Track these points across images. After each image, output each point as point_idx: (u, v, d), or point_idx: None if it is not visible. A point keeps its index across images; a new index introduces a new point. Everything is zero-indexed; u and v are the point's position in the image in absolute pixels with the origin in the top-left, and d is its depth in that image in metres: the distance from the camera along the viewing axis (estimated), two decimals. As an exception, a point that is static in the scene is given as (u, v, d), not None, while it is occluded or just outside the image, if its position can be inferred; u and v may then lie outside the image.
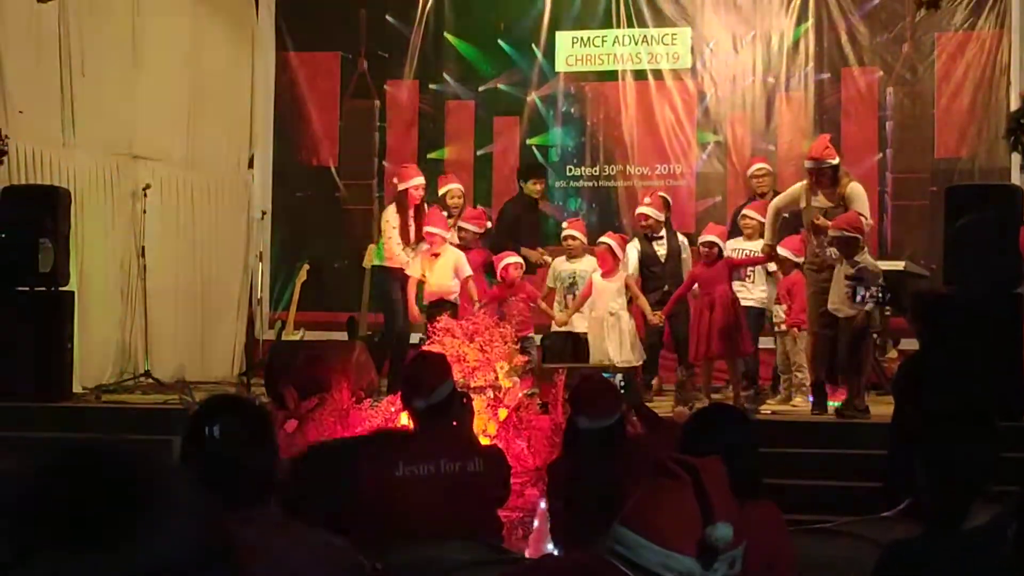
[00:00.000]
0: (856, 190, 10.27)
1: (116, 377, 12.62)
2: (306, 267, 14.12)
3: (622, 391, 6.26)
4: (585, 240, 11.80)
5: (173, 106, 13.98)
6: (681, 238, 12.08)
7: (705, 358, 10.94)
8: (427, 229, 11.33)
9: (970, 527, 3.54)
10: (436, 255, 11.35)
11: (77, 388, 11.53)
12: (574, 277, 11.71)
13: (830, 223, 9.93)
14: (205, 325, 14.41)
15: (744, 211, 11.76)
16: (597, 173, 14.67)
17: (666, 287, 11.52)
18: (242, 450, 3.32)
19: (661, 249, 11.76)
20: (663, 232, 11.84)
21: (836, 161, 10.22)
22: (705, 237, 10.90)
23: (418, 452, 5.25)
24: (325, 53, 15.38)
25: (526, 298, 11.52)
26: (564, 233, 11.85)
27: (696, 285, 11.21)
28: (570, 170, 14.71)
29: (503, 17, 14.92)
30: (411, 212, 11.54)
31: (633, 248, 11.85)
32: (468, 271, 11.58)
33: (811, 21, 14.10)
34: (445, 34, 15.06)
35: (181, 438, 3.41)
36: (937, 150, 13.78)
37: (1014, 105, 11.93)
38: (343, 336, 12.81)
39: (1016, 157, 11.50)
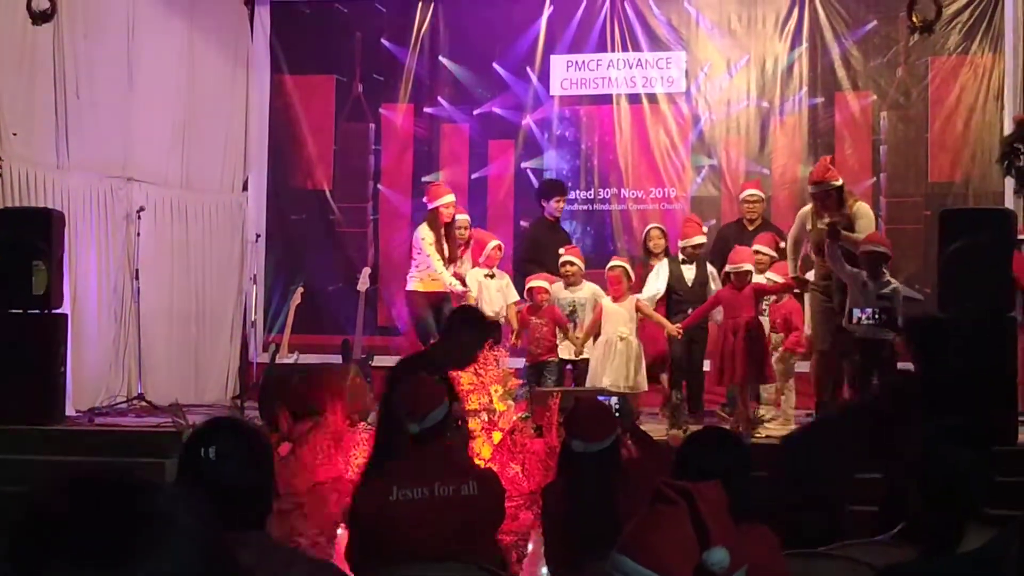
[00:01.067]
0: (864, 209, 10.39)
1: (109, 400, 12.59)
2: (300, 290, 14.11)
3: (616, 414, 6.25)
4: (583, 266, 11.81)
5: (167, 128, 14.00)
6: (710, 268, 12.06)
7: (730, 384, 10.94)
8: (496, 243, 11.76)
9: (965, 551, 3.53)
10: (492, 275, 11.77)
11: (70, 411, 11.50)
12: (573, 305, 11.70)
13: (845, 232, 9.99)
14: (199, 348, 14.40)
15: (755, 247, 11.70)
16: (592, 197, 14.67)
17: (688, 311, 11.51)
18: (238, 472, 3.31)
19: (690, 273, 11.77)
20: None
21: (840, 182, 10.27)
22: (741, 266, 10.84)
23: (412, 476, 5.24)
24: (320, 76, 15.39)
25: (552, 323, 11.56)
26: (562, 259, 11.82)
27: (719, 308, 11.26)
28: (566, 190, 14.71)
29: (498, 41, 14.94)
30: (442, 230, 11.54)
31: (663, 268, 11.86)
32: (515, 295, 11.74)
33: (805, 45, 14.13)
34: (440, 57, 15.09)
35: (177, 460, 3.41)
36: (931, 174, 13.81)
37: (1007, 129, 11.97)
38: (337, 359, 12.79)
39: (1010, 181, 11.51)
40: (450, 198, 11.72)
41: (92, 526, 1.34)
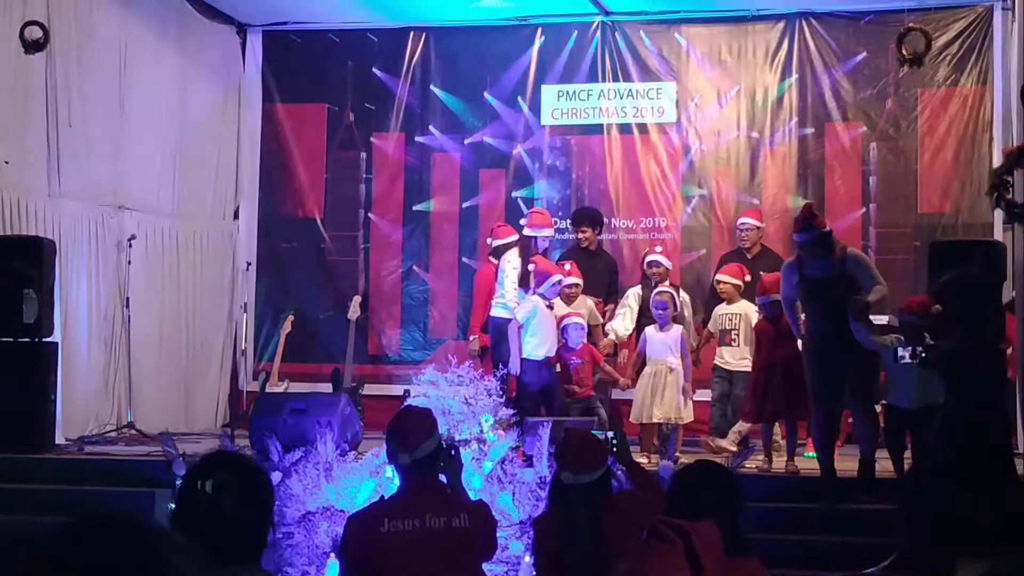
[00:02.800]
0: (859, 257, 9.89)
1: (99, 428, 12.56)
2: (291, 318, 14.12)
3: (613, 448, 6.24)
4: (581, 284, 11.85)
5: (159, 157, 14.01)
6: (683, 295, 12.06)
7: (766, 420, 10.48)
8: (558, 278, 11.36)
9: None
10: (551, 306, 11.36)
11: (60, 439, 11.49)
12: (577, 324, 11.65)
13: (869, 300, 9.38)
14: (189, 376, 14.37)
15: (718, 276, 11.84)
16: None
17: None
18: (234, 507, 3.31)
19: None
20: (667, 282, 11.93)
21: (827, 229, 9.76)
22: (769, 296, 10.41)
23: (403, 508, 5.24)
24: (312, 105, 15.41)
25: (590, 360, 11.51)
26: (567, 281, 11.76)
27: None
28: (555, 223, 14.70)
29: (490, 71, 14.96)
30: (527, 259, 11.33)
31: (634, 294, 11.94)
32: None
33: (795, 77, 14.17)
34: (431, 87, 15.11)
35: (171, 491, 3.43)
36: (920, 205, 13.83)
37: (996, 161, 11.99)
38: (328, 388, 12.78)
39: (999, 213, 11.54)
40: (551, 231, 11.65)
41: (93, 571, 1.35)
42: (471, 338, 11.93)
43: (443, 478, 5.70)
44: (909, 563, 3.83)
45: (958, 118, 13.67)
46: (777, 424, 10.87)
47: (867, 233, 13.89)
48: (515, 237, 11.90)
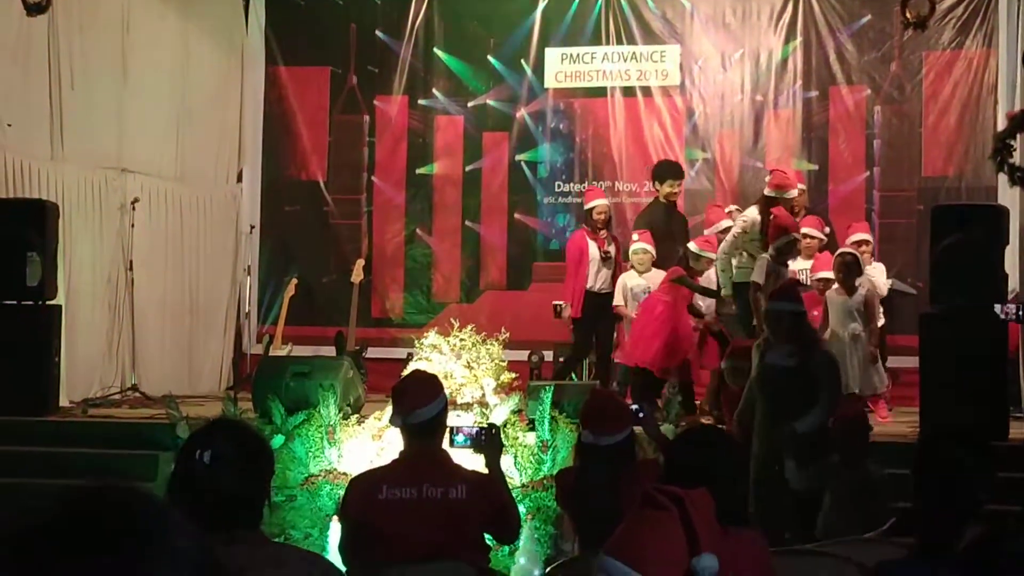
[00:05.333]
0: (828, 360, 8.20)
1: (103, 391, 12.58)
2: (294, 281, 14.13)
3: (639, 417, 6.24)
4: (654, 253, 11.63)
5: (162, 120, 13.97)
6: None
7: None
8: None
9: (960, 547, 3.55)
10: None
11: (64, 402, 11.51)
12: (648, 292, 11.39)
13: (800, 427, 7.72)
14: (192, 339, 14.38)
15: (804, 229, 11.35)
16: (585, 189, 14.63)
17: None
18: (232, 479, 3.29)
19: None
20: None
21: (801, 310, 8.31)
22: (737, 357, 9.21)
23: (401, 475, 5.20)
24: (315, 68, 15.37)
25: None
26: (635, 247, 11.64)
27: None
28: (559, 186, 14.72)
29: (493, 33, 14.94)
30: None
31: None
32: None
33: (799, 39, 14.14)
34: (435, 50, 15.08)
35: (173, 458, 3.42)
36: (924, 169, 13.82)
37: (1000, 125, 11.97)
38: (331, 351, 12.78)
39: (1003, 177, 11.52)
40: (795, 192, 11.34)
41: (87, 548, 1.35)
42: (559, 304, 11.80)
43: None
44: (908, 528, 3.84)
45: (963, 81, 13.64)
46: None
47: (870, 197, 13.88)
48: (604, 200, 12.02)
